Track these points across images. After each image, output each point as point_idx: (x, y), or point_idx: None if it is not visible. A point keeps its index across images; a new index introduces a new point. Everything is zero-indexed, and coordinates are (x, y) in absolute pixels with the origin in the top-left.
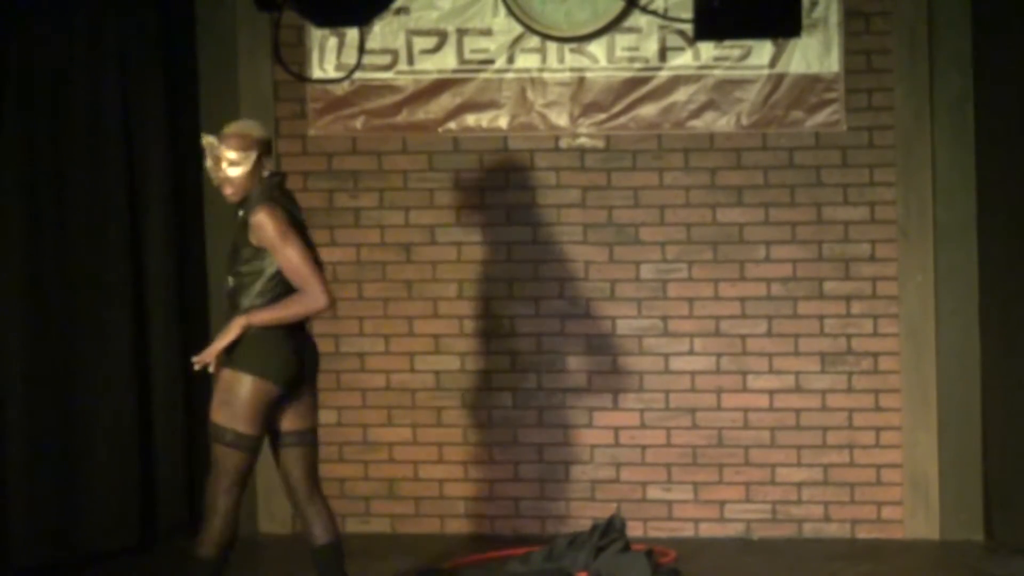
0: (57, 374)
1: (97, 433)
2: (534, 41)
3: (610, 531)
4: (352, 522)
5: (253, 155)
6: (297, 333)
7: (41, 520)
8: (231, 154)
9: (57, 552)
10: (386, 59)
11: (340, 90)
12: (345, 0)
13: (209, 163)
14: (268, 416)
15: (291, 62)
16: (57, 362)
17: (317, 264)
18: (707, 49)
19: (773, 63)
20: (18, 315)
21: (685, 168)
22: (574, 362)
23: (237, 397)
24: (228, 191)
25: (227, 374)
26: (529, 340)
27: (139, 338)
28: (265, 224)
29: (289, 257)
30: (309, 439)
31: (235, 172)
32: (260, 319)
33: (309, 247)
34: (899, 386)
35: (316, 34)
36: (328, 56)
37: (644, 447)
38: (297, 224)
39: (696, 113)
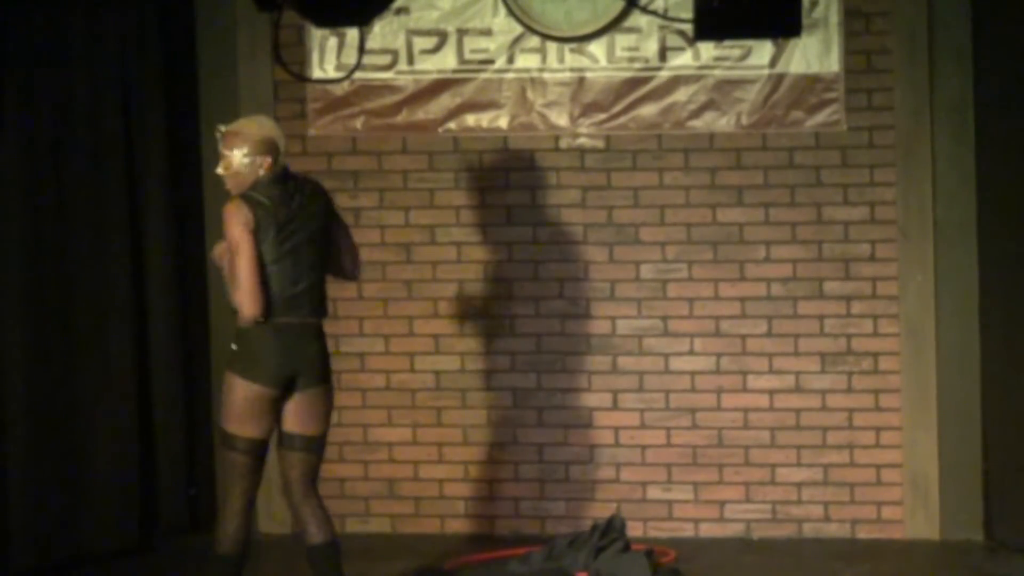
0: (57, 375)
1: (97, 434)
2: (534, 41)
3: (610, 531)
4: (352, 522)
5: (244, 151)
6: (286, 334)
7: (41, 521)
8: (223, 150)
9: (57, 553)
10: (386, 59)
11: (340, 90)
12: (345, 0)
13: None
14: (265, 418)
15: (291, 62)
16: (57, 362)
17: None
18: (707, 49)
19: (773, 63)
20: (18, 316)
21: (685, 168)
22: (574, 362)
23: (227, 399)
24: (227, 184)
25: (226, 375)
26: (529, 340)
27: (139, 338)
28: (225, 220)
29: (234, 255)
30: (310, 445)
31: (224, 167)
32: (216, 251)
33: (319, 241)
34: (899, 386)
35: (316, 34)
36: (328, 56)
37: (644, 447)
38: (277, 220)
39: (696, 113)
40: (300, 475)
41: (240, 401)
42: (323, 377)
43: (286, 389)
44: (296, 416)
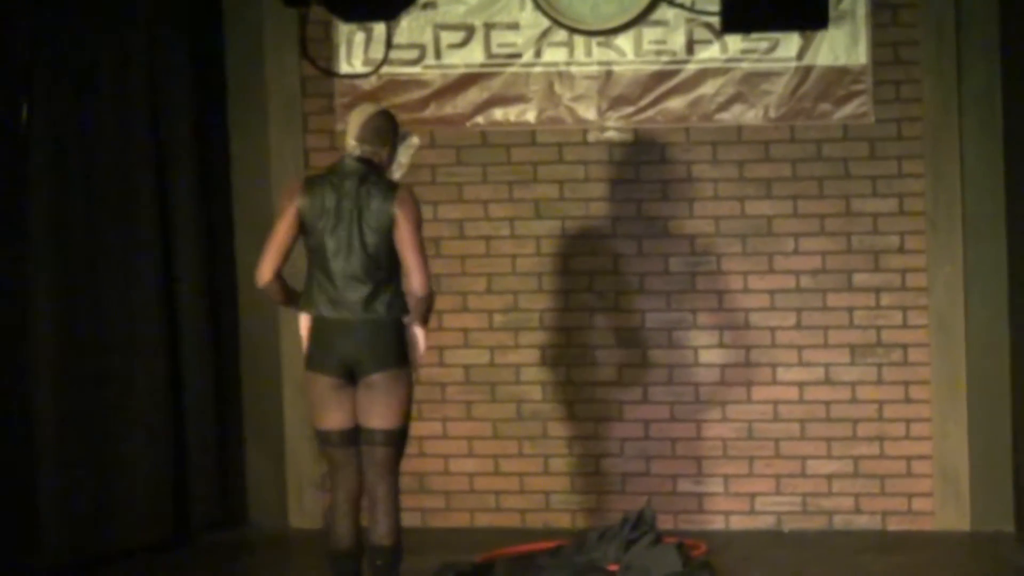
0: (89, 369)
1: (129, 429)
2: (561, 35)
3: (640, 524)
4: None
5: None
6: (329, 322)
7: (74, 515)
8: None
9: (90, 547)
10: (413, 54)
11: (368, 85)
12: None
13: None
14: (331, 408)
15: (319, 57)
16: (89, 357)
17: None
18: (734, 42)
19: (801, 55)
20: (49, 310)
21: (713, 161)
22: (604, 355)
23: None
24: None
25: None
26: (559, 333)
27: (171, 334)
28: None
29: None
30: (372, 438)
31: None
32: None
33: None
34: (929, 378)
35: (343, 29)
36: (355, 51)
37: (674, 440)
38: (325, 208)
39: (724, 106)
40: (367, 468)
41: (307, 391)
42: (379, 367)
43: (338, 377)
44: (360, 408)
